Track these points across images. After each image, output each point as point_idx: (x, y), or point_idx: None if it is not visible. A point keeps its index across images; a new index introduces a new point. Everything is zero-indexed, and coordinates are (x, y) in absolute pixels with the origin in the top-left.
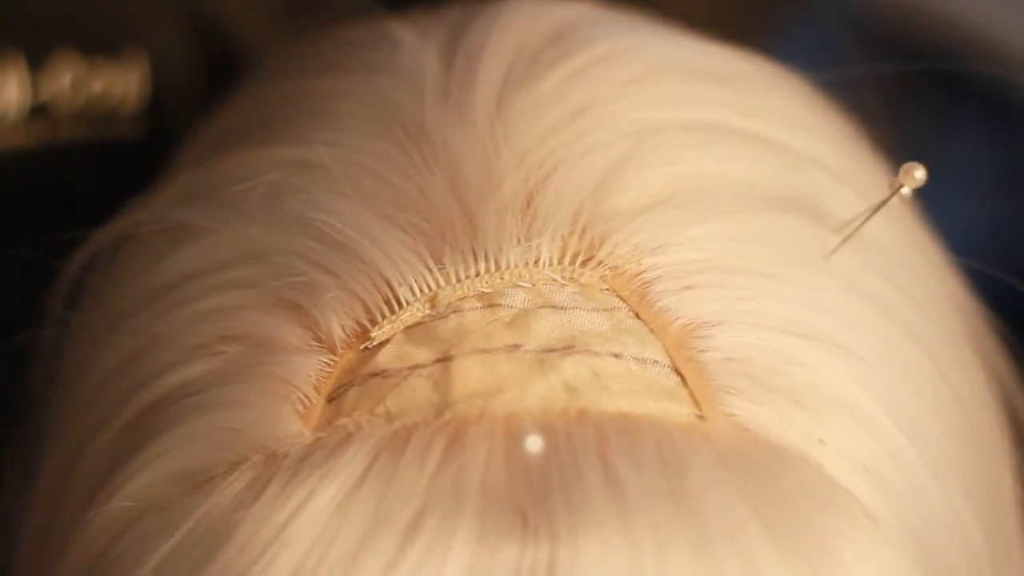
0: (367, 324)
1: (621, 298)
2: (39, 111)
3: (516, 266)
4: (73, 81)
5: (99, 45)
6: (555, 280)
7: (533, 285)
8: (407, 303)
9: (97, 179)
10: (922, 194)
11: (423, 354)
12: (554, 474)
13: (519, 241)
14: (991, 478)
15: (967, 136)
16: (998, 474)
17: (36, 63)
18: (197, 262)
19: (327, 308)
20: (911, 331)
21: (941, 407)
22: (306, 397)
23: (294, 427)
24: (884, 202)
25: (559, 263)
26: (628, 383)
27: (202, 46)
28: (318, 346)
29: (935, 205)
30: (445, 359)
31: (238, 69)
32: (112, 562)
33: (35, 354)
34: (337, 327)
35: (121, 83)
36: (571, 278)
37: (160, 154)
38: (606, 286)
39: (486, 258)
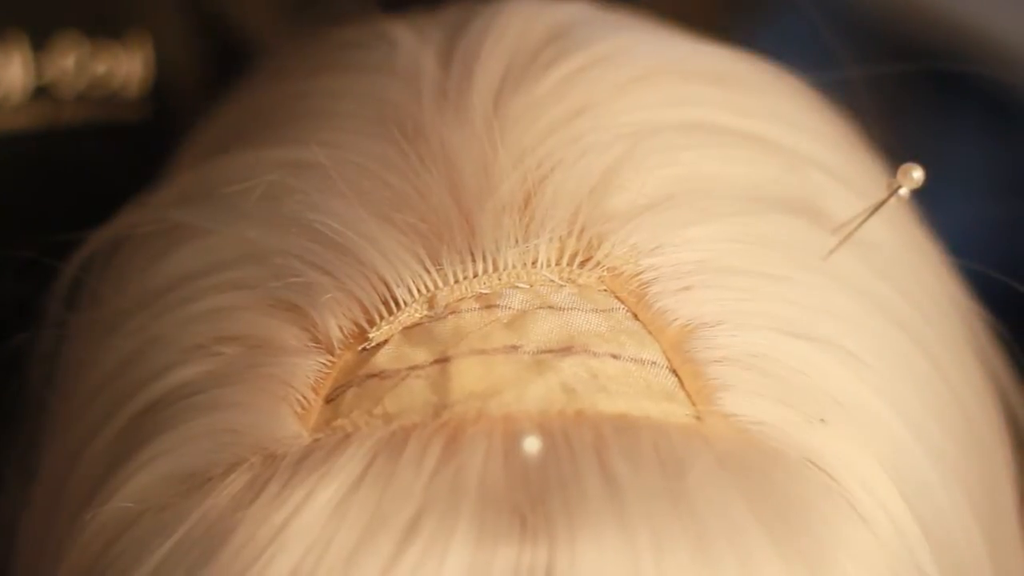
0: (365, 325)
1: (619, 299)
2: (42, 92)
3: (514, 267)
4: (76, 62)
5: (103, 27)
6: (553, 281)
7: (531, 286)
8: (405, 304)
9: (100, 161)
10: (921, 194)
11: (421, 355)
12: (552, 475)
13: (517, 242)
14: (990, 478)
15: (966, 136)
16: (997, 475)
17: (40, 44)
18: (195, 263)
19: (325, 309)
20: (909, 332)
21: (940, 407)
22: (304, 398)
23: (292, 428)
24: (882, 203)
25: (557, 264)
26: (626, 384)
27: (205, 31)
28: (316, 347)
29: (934, 206)
30: (443, 360)
31: (240, 55)
32: (110, 563)
33: (34, 354)
34: (335, 328)
35: (124, 65)
36: (569, 279)
37: (163, 137)
38: (604, 287)
39: (484, 259)
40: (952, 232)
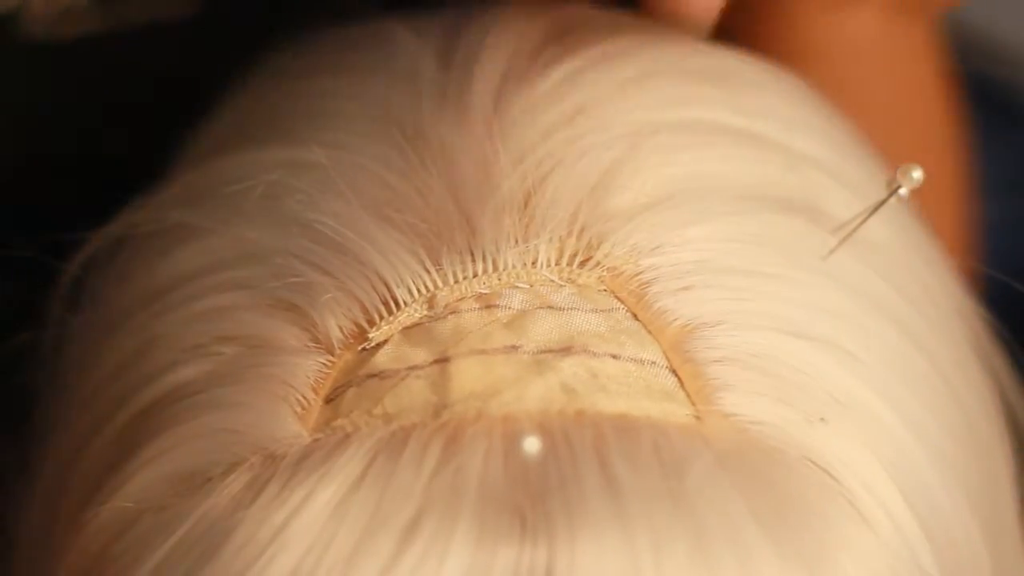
0: (365, 325)
1: (619, 299)
2: None
3: (514, 267)
4: None
5: None
6: (553, 281)
7: (531, 286)
8: (405, 304)
9: (163, 62)
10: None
11: (421, 355)
12: (552, 475)
13: (517, 242)
14: (989, 478)
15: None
16: (996, 474)
17: None
18: (195, 263)
19: (325, 309)
20: (908, 331)
21: (939, 406)
22: (304, 398)
23: (292, 428)
24: (882, 202)
25: (557, 264)
26: (626, 384)
27: None
28: (316, 347)
29: None
30: (443, 360)
31: None
32: (110, 563)
33: (35, 354)
34: (335, 328)
35: None
36: (569, 279)
37: (217, 31)
38: (604, 287)
39: (484, 259)
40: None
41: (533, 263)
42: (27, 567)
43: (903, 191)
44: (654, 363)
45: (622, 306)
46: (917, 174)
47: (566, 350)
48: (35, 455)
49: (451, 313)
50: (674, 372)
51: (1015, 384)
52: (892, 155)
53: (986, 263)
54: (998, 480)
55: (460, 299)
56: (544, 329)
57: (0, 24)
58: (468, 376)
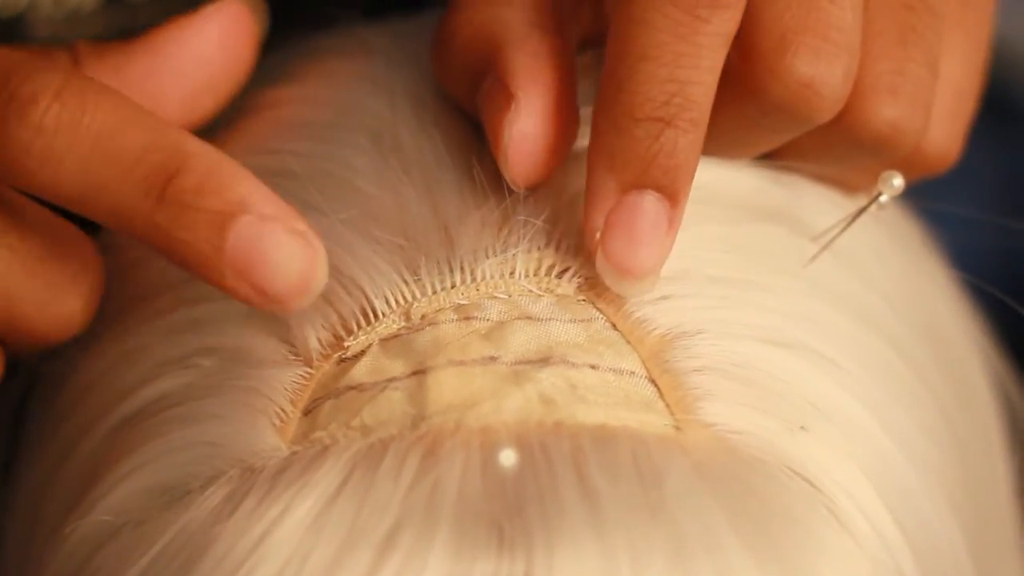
0: (343, 334)
1: (598, 309)
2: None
3: (492, 277)
4: None
5: None
6: (531, 291)
7: (509, 296)
8: (383, 315)
9: None
10: (919, 196)
11: (399, 367)
12: (530, 487)
13: (495, 252)
14: (974, 486)
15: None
16: (982, 482)
17: None
18: (174, 272)
19: (303, 319)
20: (891, 339)
21: (922, 414)
22: (282, 410)
23: (270, 441)
24: (862, 210)
25: (535, 274)
26: (605, 394)
27: None
28: (294, 359)
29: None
30: (421, 372)
31: None
32: (91, 575)
33: (18, 364)
34: (313, 339)
35: None
36: (547, 289)
37: None
38: (582, 297)
39: (462, 270)
40: (951, 234)
41: (511, 274)
42: None
43: (884, 198)
44: (633, 373)
45: (601, 316)
46: (898, 181)
47: (544, 361)
48: (17, 467)
49: (429, 324)
50: (653, 382)
51: (1016, 387)
52: None
53: (985, 265)
54: (984, 488)
55: (438, 310)
56: (522, 340)
57: (7, 25)
58: (446, 388)
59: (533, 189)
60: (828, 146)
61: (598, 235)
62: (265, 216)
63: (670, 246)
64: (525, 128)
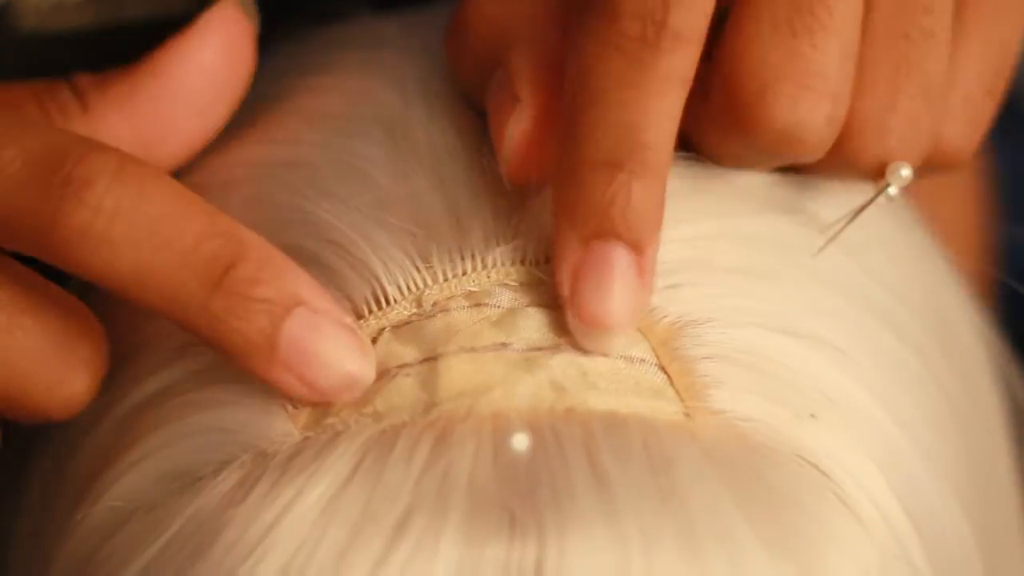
0: (354, 319)
1: None
2: None
3: (503, 265)
4: None
5: None
6: (542, 278)
7: (520, 284)
8: (395, 301)
9: None
10: None
11: (410, 353)
12: (541, 472)
13: (506, 240)
14: (981, 476)
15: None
16: (989, 472)
17: None
18: None
19: None
20: (899, 328)
21: (930, 404)
22: None
23: (282, 426)
24: (870, 201)
25: (546, 262)
26: (615, 381)
27: None
28: None
29: None
30: (432, 358)
31: None
32: (102, 562)
33: None
34: None
35: None
36: None
37: None
38: None
39: (473, 257)
40: None
41: (522, 261)
42: (20, 567)
43: (892, 190)
44: (643, 360)
45: None
46: (906, 172)
47: (555, 348)
48: (28, 455)
49: (441, 311)
50: (663, 369)
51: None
52: None
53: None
54: (991, 478)
55: (450, 297)
56: (533, 327)
57: None
58: (457, 374)
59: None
60: (827, 171)
61: (567, 291)
62: (319, 309)
63: (646, 296)
64: (525, 131)
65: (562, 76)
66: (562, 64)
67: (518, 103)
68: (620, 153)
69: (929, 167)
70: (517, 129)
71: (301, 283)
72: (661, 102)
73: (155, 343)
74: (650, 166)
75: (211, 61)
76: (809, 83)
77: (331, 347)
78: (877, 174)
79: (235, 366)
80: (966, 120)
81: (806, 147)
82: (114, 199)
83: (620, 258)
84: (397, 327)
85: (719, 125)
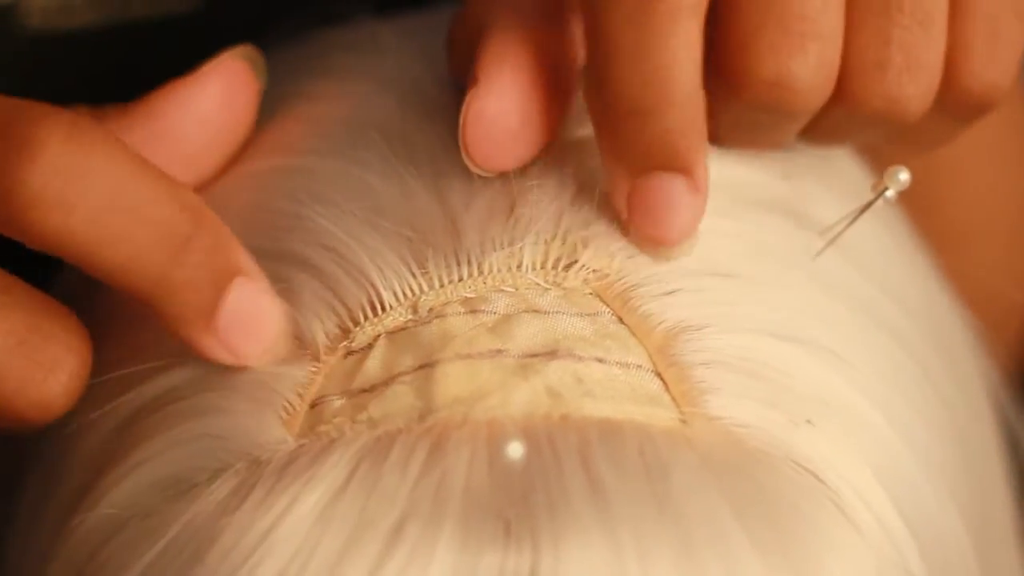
0: (349, 326)
1: (604, 302)
2: None
3: (499, 271)
4: None
5: None
6: (538, 284)
7: (516, 290)
8: (390, 307)
9: (162, 58)
10: None
11: (406, 360)
12: (537, 480)
13: (502, 245)
14: (978, 481)
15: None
16: (985, 478)
17: None
18: None
19: (310, 313)
20: (896, 334)
21: (927, 409)
22: (289, 403)
23: (277, 433)
24: (868, 205)
25: (542, 267)
26: (611, 388)
27: None
28: (301, 352)
29: None
30: (428, 365)
31: None
32: (97, 569)
33: None
34: (320, 332)
35: None
36: (554, 282)
37: (215, 31)
38: (589, 290)
39: (469, 263)
40: None
41: (518, 267)
42: (14, 574)
43: (889, 193)
44: (639, 367)
45: (607, 310)
46: (904, 176)
47: (551, 354)
48: (21, 462)
49: (436, 317)
50: (659, 376)
51: (1006, 386)
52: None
53: None
54: (987, 484)
55: (445, 303)
56: (529, 333)
57: (0, 14)
58: (453, 381)
59: (498, 174)
60: (836, 127)
61: (625, 219)
62: (255, 279)
63: (701, 206)
64: (482, 109)
65: (524, 57)
66: (526, 48)
67: (475, 84)
68: (647, 100)
69: (953, 111)
70: (472, 107)
71: (240, 252)
72: (676, 37)
73: (149, 349)
74: (675, 102)
75: (207, 110)
76: (791, 27)
77: (265, 317)
78: (884, 114)
79: (168, 330)
80: (988, 48)
81: (796, 97)
82: (67, 159)
83: (671, 184)
84: (393, 333)
85: (717, 95)
